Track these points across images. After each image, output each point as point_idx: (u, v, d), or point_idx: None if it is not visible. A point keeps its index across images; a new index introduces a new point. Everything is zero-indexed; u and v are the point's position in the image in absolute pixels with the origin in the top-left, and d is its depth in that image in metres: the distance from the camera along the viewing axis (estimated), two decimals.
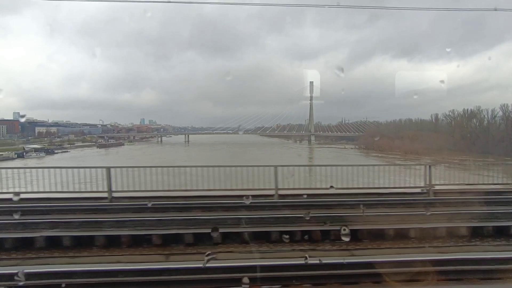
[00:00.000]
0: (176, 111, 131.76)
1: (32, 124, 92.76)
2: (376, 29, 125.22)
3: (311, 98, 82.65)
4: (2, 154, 46.45)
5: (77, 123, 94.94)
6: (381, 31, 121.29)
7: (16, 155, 48.18)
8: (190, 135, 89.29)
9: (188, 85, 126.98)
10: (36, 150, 52.35)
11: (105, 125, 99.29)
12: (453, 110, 50.97)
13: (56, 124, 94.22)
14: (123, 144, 74.17)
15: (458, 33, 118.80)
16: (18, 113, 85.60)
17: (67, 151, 56.65)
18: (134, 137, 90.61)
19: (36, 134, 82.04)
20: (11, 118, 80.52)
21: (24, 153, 49.32)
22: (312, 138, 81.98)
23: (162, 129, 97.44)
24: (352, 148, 56.80)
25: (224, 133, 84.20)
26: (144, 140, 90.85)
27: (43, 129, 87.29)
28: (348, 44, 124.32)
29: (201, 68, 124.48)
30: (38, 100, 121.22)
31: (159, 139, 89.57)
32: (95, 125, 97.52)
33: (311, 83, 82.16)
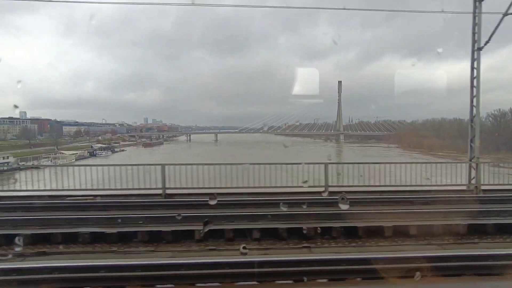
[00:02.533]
0: (179, 110, 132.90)
1: (60, 123, 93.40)
2: (387, 29, 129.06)
3: (339, 97, 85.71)
4: (77, 153, 48.21)
5: (97, 123, 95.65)
6: (392, 30, 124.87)
7: (88, 153, 50.20)
8: (200, 135, 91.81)
9: (193, 84, 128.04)
10: (102, 149, 54.29)
11: (122, 124, 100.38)
12: (499, 109, 52.79)
13: (76, 124, 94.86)
14: (162, 143, 75.94)
15: (469, 32, 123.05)
16: (25, 112, 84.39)
17: (124, 150, 58.61)
18: (163, 136, 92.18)
19: (71, 133, 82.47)
20: (17, 117, 80.00)
21: (95, 152, 51.42)
22: (341, 137, 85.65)
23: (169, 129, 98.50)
24: (397, 147, 60.46)
25: (253, 132, 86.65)
26: (170, 138, 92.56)
27: (74, 128, 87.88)
28: (359, 43, 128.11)
29: (207, 67, 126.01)
30: (42, 99, 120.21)
31: (188, 137, 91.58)
32: (113, 124, 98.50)
33: (340, 82, 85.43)
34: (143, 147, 68.80)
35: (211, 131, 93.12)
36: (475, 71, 14.43)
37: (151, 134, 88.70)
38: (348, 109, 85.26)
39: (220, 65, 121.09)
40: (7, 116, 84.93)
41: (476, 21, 14.35)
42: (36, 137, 62.85)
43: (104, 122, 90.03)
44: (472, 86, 14.52)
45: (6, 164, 34.72)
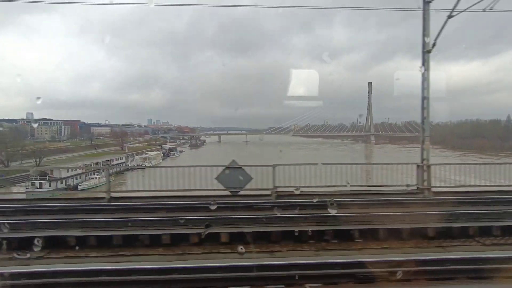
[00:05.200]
0: (182, 111, 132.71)
1: (87, 125, 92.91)
2: (398, 30, 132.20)
3: (369, 99, 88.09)
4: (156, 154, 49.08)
5: (116, 124, 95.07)
6: (403, 31, 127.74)
7: (162, 154, 51.17)
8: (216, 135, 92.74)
9: (200, 85, 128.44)
10: (171, 150, 55.33)
11: (140, 125, 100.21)
12: None
13: (98, 125, 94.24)
14: (203, 144, 76.97)
15: (481, 32, 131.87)
16: (32, 113, 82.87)
17: (182, 151, 59.68)
18: (193, 137, 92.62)
19: (99, 134, 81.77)
20: (23, 118, 78.18)
21: (168, 153, 52.46)
22: (372, 138, 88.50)
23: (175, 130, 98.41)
24: (442, 148, 63.39)
25: (267, 133, 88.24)
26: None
27: (102, 130, 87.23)
28: (369, 44, 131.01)
29: (214, 68, 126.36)
30: (46, 100, 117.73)
31: (219, 138, 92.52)
32: (132, 125, 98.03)
33: (370, 83, 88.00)
34: (189, 149, 69.65)
35: (239, 132, 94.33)
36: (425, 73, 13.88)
37: (183, 136, 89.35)
38: (357, 110, 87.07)
39: (226, 66, 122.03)
40: (41, 118, 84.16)
41: (425, 22, 13.87)
42: (93, 138, 62.87)
43: (107, 123, 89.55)
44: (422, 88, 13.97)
45: (122, 165, 35.77)
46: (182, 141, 77.10)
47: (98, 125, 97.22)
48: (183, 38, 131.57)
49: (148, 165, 37.80)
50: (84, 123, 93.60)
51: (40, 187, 23.19)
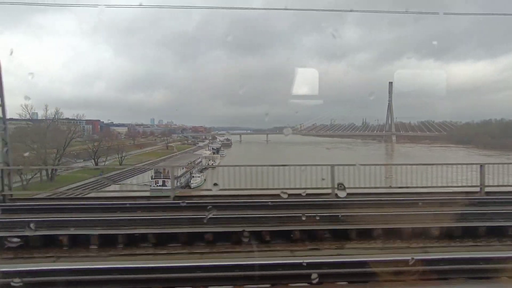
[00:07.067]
0: (186, 110, 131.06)
1: (106, 124, 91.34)
2: (405, 30, 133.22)
3: (390, 99, 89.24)
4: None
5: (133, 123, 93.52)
6: (411, 31, 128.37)
7: (213, 153, 51.25)
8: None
9: (204, 84, 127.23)
10: (218, 149, 55.31)
11: (153, 125, 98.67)
12: None
13: (113, 124, 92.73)
14: (232, 144, 76.83)
15: (489, 32, 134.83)
16: (36, 113, 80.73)
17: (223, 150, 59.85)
18: (214, 137, 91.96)
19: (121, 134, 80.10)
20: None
21: (219, 151, 52.53)
22: (394, 137, 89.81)
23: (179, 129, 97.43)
24: (473, 147, 64.90)
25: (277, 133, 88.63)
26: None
27: (122, 129, 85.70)
28: (378, 44, 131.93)
29: (219, 67, 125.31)
30: (49, 100, 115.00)
31: (240, 138, 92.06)
32: (146, 125, 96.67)
33: (391, 83, 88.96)
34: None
35: (247, 132, 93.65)
36: None
37: (205, 135, 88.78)
38: (365, 109, 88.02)
39: (234, 65, 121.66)
40: (64, 118, 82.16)
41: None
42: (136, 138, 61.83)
43: (110, 122, 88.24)
44: None
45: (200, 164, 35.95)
46: (210, 140, 77.06)
47: (113, 124, 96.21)
48: (191, 38, 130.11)
49: (215, 164, 37.93)
50: (103, 122, 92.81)
51: (164, 185, 23.35)
